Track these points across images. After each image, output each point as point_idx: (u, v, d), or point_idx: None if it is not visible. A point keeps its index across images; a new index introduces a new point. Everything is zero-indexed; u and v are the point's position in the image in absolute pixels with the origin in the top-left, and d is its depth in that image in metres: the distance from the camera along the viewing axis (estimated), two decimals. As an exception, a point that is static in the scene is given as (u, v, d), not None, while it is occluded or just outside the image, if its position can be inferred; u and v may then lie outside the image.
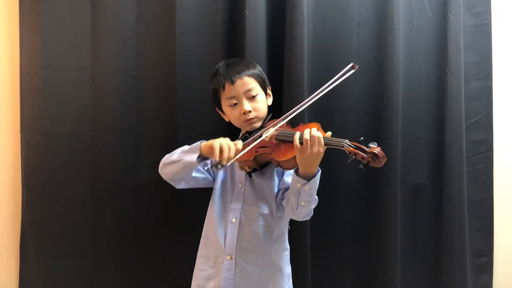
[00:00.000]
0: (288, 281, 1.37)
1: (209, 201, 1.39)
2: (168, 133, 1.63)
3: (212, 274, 1.32)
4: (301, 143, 1.14)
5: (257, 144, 1.22)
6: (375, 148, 1.08)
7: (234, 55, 1.59)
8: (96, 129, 1.62)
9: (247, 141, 1.23)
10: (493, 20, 1.77)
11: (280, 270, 1.33)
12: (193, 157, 1.22)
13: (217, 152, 1.14)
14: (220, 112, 1.41)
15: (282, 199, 1.30)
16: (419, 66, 1.72)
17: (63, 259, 1.63)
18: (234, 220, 1.30)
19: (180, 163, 1.25)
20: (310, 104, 1.27)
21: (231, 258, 1.29)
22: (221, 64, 1.38)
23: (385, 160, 1.08)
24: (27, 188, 1.62)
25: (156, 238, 1.65)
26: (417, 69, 1.71)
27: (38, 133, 1.60)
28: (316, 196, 1.23)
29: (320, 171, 1.20)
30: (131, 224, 1.64)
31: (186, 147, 1.29)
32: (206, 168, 1.29)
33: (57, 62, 1.60)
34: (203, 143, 1.22)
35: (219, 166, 1.14)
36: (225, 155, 1.14)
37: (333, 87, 1.27)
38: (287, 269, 1.37)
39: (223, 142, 1.16)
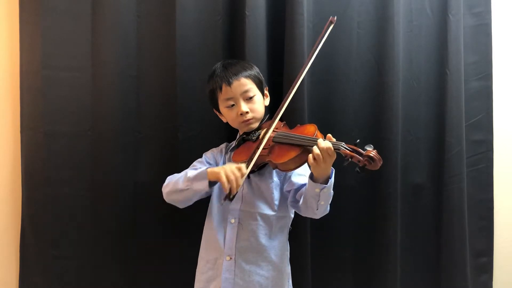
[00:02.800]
0: (288, 280, 1.37)
1: (209, 201, 1.39)
2: (168, 133, 1.63)
3: (213, 275, 1.32)
4: (314, 158, 1.12)
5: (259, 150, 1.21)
6: (371, 151, 1.07)
7: (234, 55, 1.59)
8: (96, 129, 1.62)
9: (249, 156, 1.22)
10: (493, 20, 1.77)
11: (280, 270, 1.33)
12: (204, 184, 1.23)
13: (226, 185, 1.16)
14: (218, 113, 1.42)
15: (295, 201, 1.29)
16: (419, 66, 1.72)
17: (63, 259, 1.63)
18: (233, 221, 1.30)
19: (190, 191, 1.26)
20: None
21: (231, 258, 1.29)
22: (218, 65, 1.38)
23: (381, 163, 1.07)
24: (27, 188, 1.62)
25: (156, 239, 1.65)
26: (417, 69, 1.71)
27: (38, 133, 1.60)
28: (331, 191, 1.21)
29: (334, 170, 1.18)
30: (131, 224, 1.64)
31: (189, 173, 1.29)
32: (221, 203, 1.30)
33: (57, 62, 1.60)
34: (210, 170, 1.23)
35: (231, 197, 1.16)
36: (234, 185, 1.15)
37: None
38: (287, 269, 1.37)
39: (229, 171, 1.16)
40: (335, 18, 1.28)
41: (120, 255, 1.64)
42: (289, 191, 1.31)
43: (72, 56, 1.61)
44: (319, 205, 1.20)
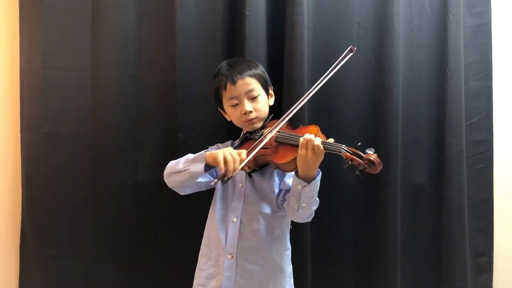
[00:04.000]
0: (289, 280, 1.36)
1: (209, 201, 1.39)
2: (168, 133, 1.63)
3: (214, 273, 1.32)
4: (299, 147, 1.13)
5: (260, 148, 1.21)
6: (371, 155, 1.07)
7: (234, 55, 1.59)
8: (96, 129, 1.62)
9: (250, 148, 1.22)
10: (493, 20, 1.77)
11: (281, 269, 1.33)
12: (200, 166, 1.21)
13: (222, 165, 1.14)
14: (222, 112, 1.42)
15: (284, 200, 1.30)
16: (419, 66, 1.72)
17: (63, 259, 1.63)
18: (235, 219, 1.31)
19: (186, 173, 1.25)
20: (311, 96, 1.25)
21: (232, 257, 1.29)
22: (224, 63, 1.38)
23: (381, 167, 1.07)
24: (27, 188, 1.62)
25: (156, 238, 1.65)
26: (417, 69, 1.72)
27: (38, 133, 1.60)
28: (317, 198, 1.23)
29: (321, 173, 1.20)
30: (131, 224, 1.64)
31: (190, 156, 1.28)
32: (212, 183, 1.24)
33: (57, 62, 1.60)
34: (208, 153, 1.22)
35: (225, 179, 1.13)
36: (230, 167, 1.13)
37: (333, 76, 1.26)
38: (288, 269, 1.37)
39: (227, 153, 1.15)
40: (355, 48, 1.27)
41: (120, 255, 1.64)
42: (281, 190, 1.32)
43: (72, 56, 1.61)
44: (300, 206, 1.20)
